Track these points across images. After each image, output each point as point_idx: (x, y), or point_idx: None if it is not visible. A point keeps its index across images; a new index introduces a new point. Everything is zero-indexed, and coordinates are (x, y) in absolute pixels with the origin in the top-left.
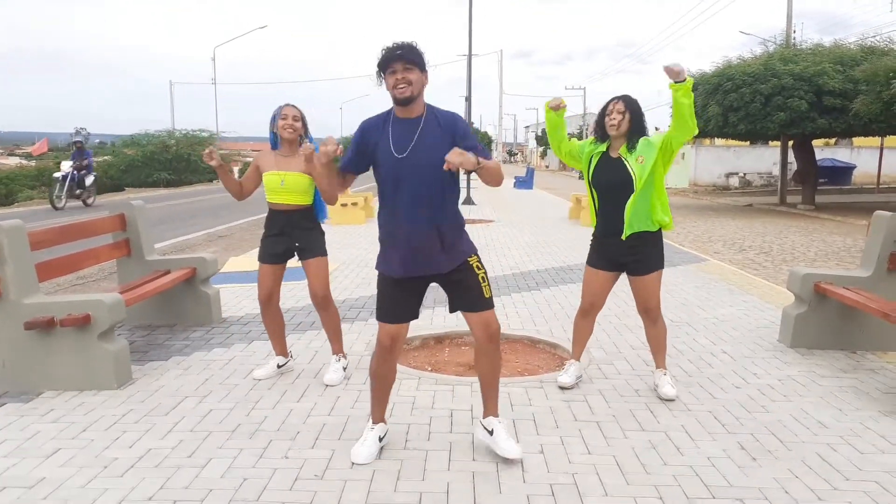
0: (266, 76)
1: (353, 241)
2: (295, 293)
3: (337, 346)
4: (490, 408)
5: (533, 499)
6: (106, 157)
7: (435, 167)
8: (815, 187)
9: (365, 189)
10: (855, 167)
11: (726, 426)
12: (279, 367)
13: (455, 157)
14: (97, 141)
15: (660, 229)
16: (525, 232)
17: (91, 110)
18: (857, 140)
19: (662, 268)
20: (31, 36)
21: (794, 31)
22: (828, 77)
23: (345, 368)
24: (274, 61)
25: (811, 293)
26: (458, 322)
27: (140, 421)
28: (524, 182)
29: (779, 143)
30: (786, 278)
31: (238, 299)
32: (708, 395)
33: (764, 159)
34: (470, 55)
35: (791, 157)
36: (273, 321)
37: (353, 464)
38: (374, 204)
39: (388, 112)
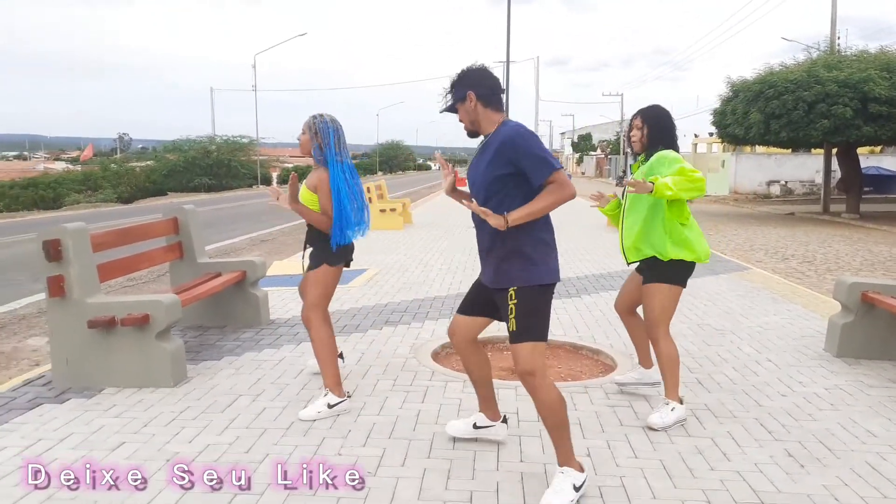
0: (305, 83)
1: (393, 246)
2: (338, 295)
3: (324, 378)
4: (557, 454)
5: (582, 500)
6: (149, 162)
7: (476, 187)
8: (859, 196)
9: (402, 195)
10: None
11: (773, 433)
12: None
13: (487, 217)
14: (139, 146)
15: (674, 260)
16: (562, 239)
17: (133, 116)
18: None
19: (670, 284)
20: (75, 41)
21: (839, 38)
22: (874, 84)
23: (330, 406)
24: (313, 69)
25: (858, 302)
26: (500, 328)
27: (197, 418)
28: None
29: (822, 151)
30: (830, 288)
31: (284, 302)
32: (754, 403)
33: (806, 167)
34: (508, 62)
35: (834, 164)
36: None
37: (403, 462)
38: (412, 210)
39: None
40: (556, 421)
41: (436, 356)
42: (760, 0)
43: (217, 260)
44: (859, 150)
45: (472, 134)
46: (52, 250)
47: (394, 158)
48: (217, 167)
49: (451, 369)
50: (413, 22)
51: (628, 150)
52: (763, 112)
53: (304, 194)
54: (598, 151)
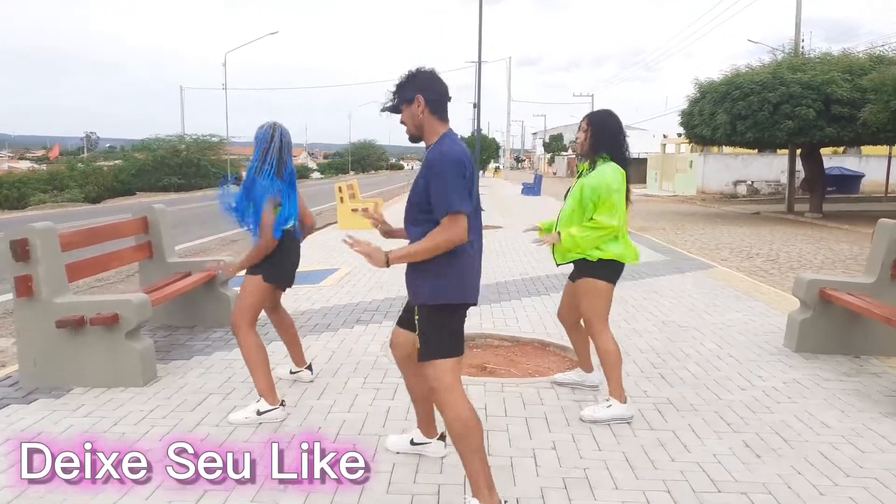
0: (276, 81)
1: None
2: (309, 294)
3: (255, 384)
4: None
5: (546, 491)
6: (117, 161)
7: (409, 204)
8: (822, 195)
9: (375, 194)
10: (863, 176)
11: (732, 425)
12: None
13: (367, 258)
14: (107, 145)
15: (603, 260)
16: (528, 237)
17: (100, 114)
18: (865, 149)
19: (598, 279)
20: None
21: (803, 40)
22: (836, 86)
23: (259, 412)
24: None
25: (816, 299)
26: (469, 323)
27: (167, 416)
28: (532, 189)
29: (787, 152)
30: (792, 285)
31: None
32: (714, 397)
33: (772, 167)
34: (480, 62)
35: (799, 165)
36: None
37: (373, 456)
38: (385, 209)
39: None
40: (464, 442)
41: None
42: (729, 2)
43: (187, 259)
44: (823, 151)
45: (415, 139)
46: (20, 250)
47: (366, 158)
48: (186, 166)
49: None
50: (383, 23)
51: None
52: (729, 113)
53: None
54: (570, 152)
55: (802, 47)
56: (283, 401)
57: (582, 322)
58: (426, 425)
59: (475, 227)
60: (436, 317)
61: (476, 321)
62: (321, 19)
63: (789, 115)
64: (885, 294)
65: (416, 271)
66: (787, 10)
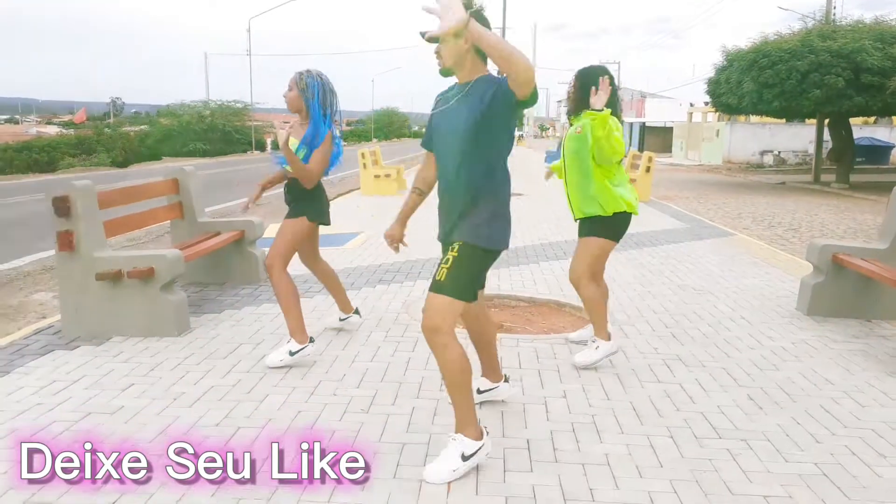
0: (300, 48)
1: (386, 211)
2: (332, 257)
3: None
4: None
5: (555, 434)
6: (143, 127)
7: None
8: (850, 166)
9: (397, 161)
10: (894, 146)
11: (738, 380)
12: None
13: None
14: (133, 111)
15: (616, 214)
16: (554, 204)
17: (125, 81)
18: None
19: (607, 240)
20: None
21: (835, 7)
22: (867, 54)
23: (291, 353)
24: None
25: (829, 264)
26: (486, 287)
27: (201, 363)
28: (555, 156)
29: (815, 122)
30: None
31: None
32: (723, 354)
33: (800, 137)
34: (504, 29)
35: (827, 135)
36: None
37: (394, 400)
38: (406, 176)
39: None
40: (458, 382)
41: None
42: None
43: (216, 220)
44: (853, 121)
45: (447, 73)
46: (62, 206)
47: (389, 125)
48: (211, 132)
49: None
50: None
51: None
52: (756, 81)
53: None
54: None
55: (834, 14)
56: (312, 338)
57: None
58: (491, 371)
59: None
60: (478, 259)
61: (494, 283)
62: None
63: (818, 84)
64: None
65: (479, 210)
66: None
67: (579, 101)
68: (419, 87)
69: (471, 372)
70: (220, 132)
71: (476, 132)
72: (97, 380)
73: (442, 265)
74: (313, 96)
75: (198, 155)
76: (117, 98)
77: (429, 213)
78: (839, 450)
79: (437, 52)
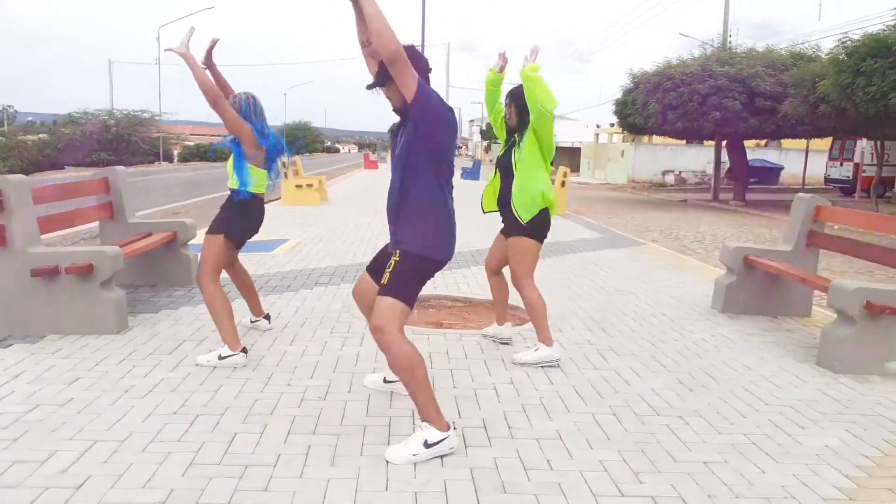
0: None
1: (311, 220)
2: (263, 261)
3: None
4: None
5: (508, 414)
6: (41, 136)
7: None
8: (746, 185)
9: (318, 173)
10: (783, 168)
11: (666, 367)
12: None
13: None
14: (27, 119)
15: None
16: (477, 216)
17: (18, 88)
18: (785, 142)
19: (530, 239)
20: None
21: (731, 36)
22: (760, 80)
23: (221, 357)
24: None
25: (740, 264)
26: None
27: (147, 358)
28: (471, 173)
29: (713, 143)
30: (717, 262)
31: None
32: (650, 345)
33: (699, 158)
34: (423, 48)
35: (725, 156)
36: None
37: (349, 388)
38: (328, 187)
39: None
40: (411, 375)
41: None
42: None
43: (147, 220)
44: (746, 144)
45: (401, 112)
46: None
47: (302, 139)
48: (117, 142)
49: None
50: (321, 3)
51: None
52: (661, 102)
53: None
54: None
55: (730, 43)
56: (244, 348)
57: (508, 275)
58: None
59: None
60: (418, 267)
61: (429, 284)
62: None
63: (717, 106)
64: (800, 261)
65: (413, 221)
66: (716, 7)
67: (521, 115)
68: (331, 102)
69: (423, 367)
70: (125, 142)
71: None
72: (39, 375)
73: (387, 270)
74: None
75: (102, 165)
76: (8, 106)
77: (349, 229)
78: (764, 423)
79: (388, 96)
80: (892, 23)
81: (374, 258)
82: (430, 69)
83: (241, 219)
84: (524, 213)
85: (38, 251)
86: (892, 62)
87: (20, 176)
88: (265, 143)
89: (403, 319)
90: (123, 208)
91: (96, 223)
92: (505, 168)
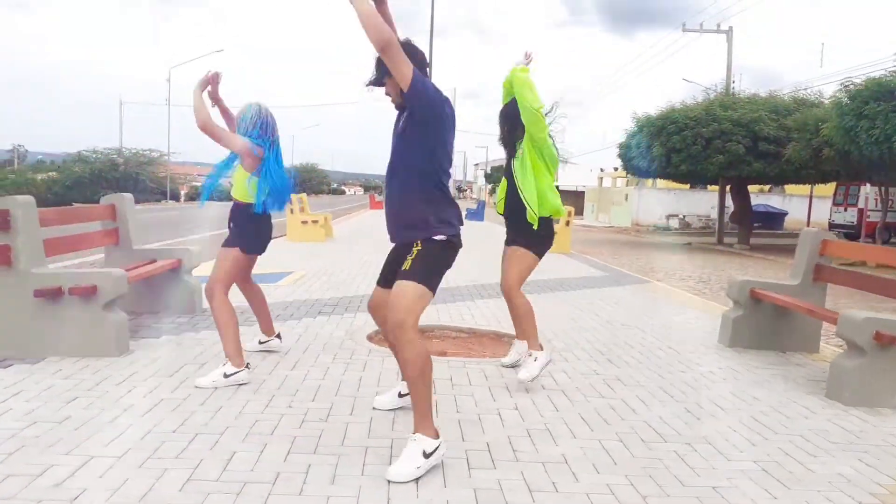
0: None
1: (316, 255)
2: (268, 291)
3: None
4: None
5: (513, 439)
6: (51, 174)
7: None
8: (750, 229)
9: (324, 210)
10: (787, 213)
11: (674, 397)
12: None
13: None
14: (38, 158)
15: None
16: (480, 255)
17: (29, 129)
18: (788, 188)
19: (533, 254)
20: None
21: (734, 81)
22: (763, 124)
23: (226, 375)
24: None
25: (747, 298)
26: (428, 317)
27: (148, 379)
28: (475, 214)
29: (717, 188)
30: (723, 301)
31: None
32: (657, 376)
33: (703, 203)
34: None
35: (729, 201)
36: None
37: (351, 412)
38: (333, 224)
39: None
40: (423, 378)
41: (371, 338)
42: (663, 44)
43: (152, 247)
44: (749, 189)
45: (402, 107)
46: (1, 220)
47: (309, 181)
48: (125, 181)
49: (387, 347)
50: (329, 49)
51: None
52: (665, 146)
53: (238, 174)
54: None
55: (733, 88)
56: (247, 363)
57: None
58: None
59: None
60: (442, 252)
61: (434, 315)
62: (267, 42)
63: (720, 150)
64: (808, 295)
65: (424, 212)
66: (719, 54)
67: (514, 129)
68: (338, 146)
69: (432, 371)
70: (133, 180)
71: None
72: (38, 394)
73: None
74: (253, 126)
75: None
76: (19, 145)
77: (354, 264)
78: (774, 451)
79: (387, 93)
80: (893, 68)
81: (385, 267)
82: (428, 64)
83: (255, 231)
84: (534, 204)
85: (42, 272)
86: (895, 105)
87: (28, 197)
88: (263, 150)
89: (423, 307)
90: (129, 235)
91: (101, 255)
92: (509, 175)
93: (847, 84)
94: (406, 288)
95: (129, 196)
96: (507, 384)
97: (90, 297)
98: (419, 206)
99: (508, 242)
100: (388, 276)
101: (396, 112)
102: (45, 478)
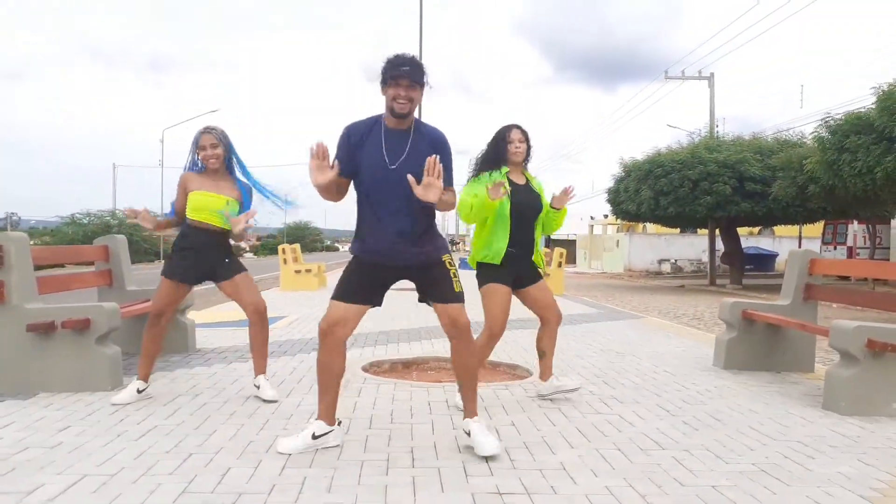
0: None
1: (309, 302)
2: None
3: (264, 364)
4: (468, 408)
5: (511, 450)
6: (45, 237)
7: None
8: (742, 269)
9: (318, 260)
10: (777, 255)
11: (670, 412)
12: (139, 391)
13: (426, 193)
14: (30, 225)
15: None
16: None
17: (22, 195)
18: (778, 229)
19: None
20: None
21: (717, 126)
22: (748, 165)
23: (139, 391)
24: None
25: (739, 319)
26: (423, 349)
27: (141, 409)
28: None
29: (707, 232)
30: (717, 333)
31: (206, 339)
32: (653, 395)
33: (694, 246)
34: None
35: (719, 244)
36: (157, 340)
37: (348, 430)
38: (326, 273)
39: (377, 119)
40: (476, 372)
41: (366, 370)
42: (646, 93)
43: (145, 288)
44: (739, 231)
45: (401, 116)
46: None
47: (302, 239)
48: None
49: (382, 376)
50: (320, 107)
51: (481, 168)
52: (653, 189)
53: (234, 204)
54: None
55: (717, 132)
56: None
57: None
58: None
59: None
60: (453, 262)
61: (429, 347)
62: (260, 101)
63: (708, 191)
64: (799, 314)
65: (432, 232)
66: (701, 101)
67: (529, 157)
68: (331, 204)
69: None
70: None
71: None
72: (28, 424)
73: (454, 279)
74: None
75: None
76: (13, 213)
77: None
78: (773, 455)
79: (411, 98)
80: (871, 102)
81: (371, 286)
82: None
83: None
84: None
85: (34, 307)
86: (875, 138)
87: (21, 233)
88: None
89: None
90: (123, 276)
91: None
92: (534, 208)
93: (827, 120)
94: (462, 308)
95: (121, 238)
96: (502, 404)
97: (83, 331)
98: (435, 229)
99: (533, 277)
100: (364, 295)
101: (393, 129)
102: (35, 495)
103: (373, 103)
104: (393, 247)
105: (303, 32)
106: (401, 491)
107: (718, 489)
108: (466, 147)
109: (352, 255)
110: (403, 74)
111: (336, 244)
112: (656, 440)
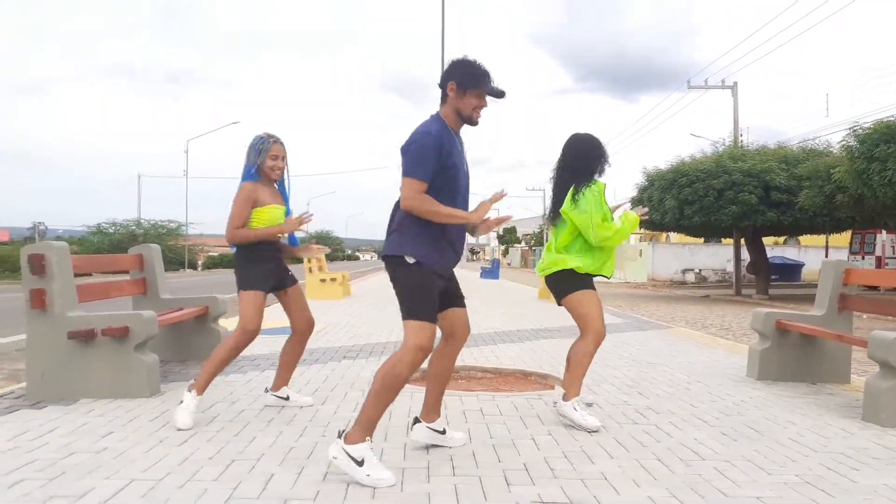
0: (235, 171)
1: (336, 311)
2: None
3: (290, 377)
4: (438, 409)
5: (549, 459)
6: (73, 246)
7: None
8: (768, 279)
9: (340, 269)
10: (804, 264)
11: (707, 423)
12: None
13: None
14: (57, 235)
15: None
16: (499, 308)
17: (49, 207)
18: (803, 239)
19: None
20: None
21: (742, 135)
22: (774, 174)
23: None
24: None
25: (773, 329)
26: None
27: None
28: (490, 272)
29: (731, 241)
30: (747, 343)
31: None
32: (689, 406)
33: (718, 256)
34: None
35: (744, 254)
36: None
37: (385, 437)
38: (351, 282)
39: (441, 120)
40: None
41: None
42: (668, 103)
43: (179, 297)
44: (764, 240)
45: (473, 125)
46: (36, 264)
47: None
48: None
49: (414, 384)
50: (338, 121)
51: (593, 179)
52: (677, 199)
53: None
54: (523, 244)
55: (742, 141)
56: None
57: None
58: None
59: None
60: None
61: (459, 357)
62: (283, 112)
63: (733, 201)
64: (833, 325)
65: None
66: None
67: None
68: (353, 212)
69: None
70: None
71: None
72: (73, 430)
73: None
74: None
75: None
76: (40, 223)
77: (374, 318)
78: (816, 466)
79: (481, 106)
80: None
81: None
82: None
83: None
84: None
85: (75, 315)
86: None
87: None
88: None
89: None
90: (157, 284)
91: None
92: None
93: (855, 129)
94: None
95: (156, 247)
96: (537, 414)
97: (122, 339)
98: None
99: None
100: (447, 299)
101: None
102: (87, 499)
103: (395, 114)
104: (456, 256)
105: (317, 41)
106: (444, 499)
107: (763, 500)
108: (486, 157)
109: (420, 268)
110: (495, 93)
111: (357, 253)
112: (696, 451)
